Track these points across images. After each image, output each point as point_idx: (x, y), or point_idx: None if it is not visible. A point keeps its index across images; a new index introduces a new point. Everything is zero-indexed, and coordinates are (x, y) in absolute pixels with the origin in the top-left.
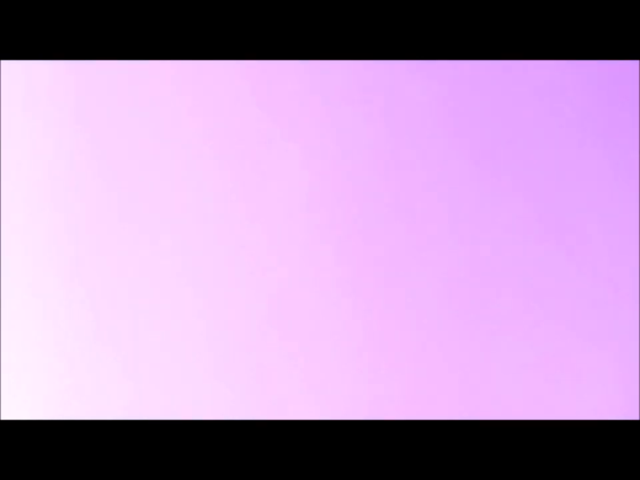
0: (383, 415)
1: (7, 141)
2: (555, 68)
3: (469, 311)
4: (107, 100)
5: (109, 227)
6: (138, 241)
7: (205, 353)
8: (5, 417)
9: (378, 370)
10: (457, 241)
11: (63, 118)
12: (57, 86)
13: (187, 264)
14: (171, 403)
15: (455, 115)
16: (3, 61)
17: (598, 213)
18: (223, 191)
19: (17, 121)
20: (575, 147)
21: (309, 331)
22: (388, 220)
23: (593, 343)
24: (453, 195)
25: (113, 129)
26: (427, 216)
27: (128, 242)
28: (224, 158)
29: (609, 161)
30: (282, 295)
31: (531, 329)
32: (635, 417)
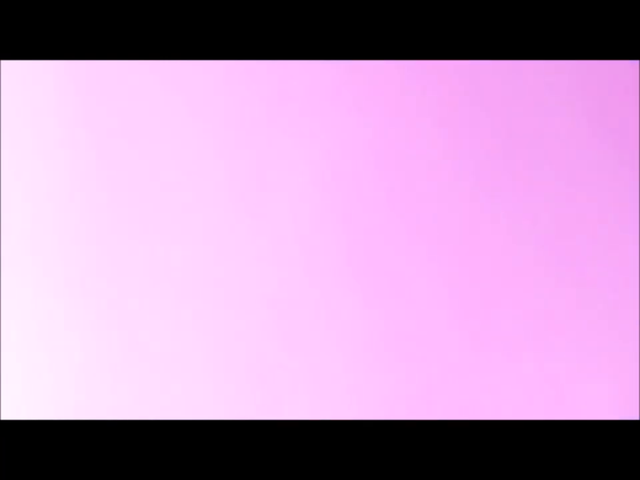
0: (383, 415)
1: (7, 141)
2: (555, 68)
3: (469, 311)
4: (107, 100)
5: (110, 227)
6: (139, 241)
7: (205, 353)
8: (4, 417)
9: (378, 370)
10: (458, 242)
11: (63, 118)
12: (57, 86)
13: (187, 265)
14: (171, 403)
15: (454, 116)
16: (2, 61)
17: (598, 213)
18: (223, 191)
19: (17, 121)
20: (574, 147)
21: (309, 331)
22: (388, 219)
23: (593, 342)
24: (454, 195)
25: (114, 129)
26: (428, 217)
27: (129, 242)
28: (224, 158)
29: (609, 161)
30: (282, 295)
31: (531, 329)
32: (635, 417)
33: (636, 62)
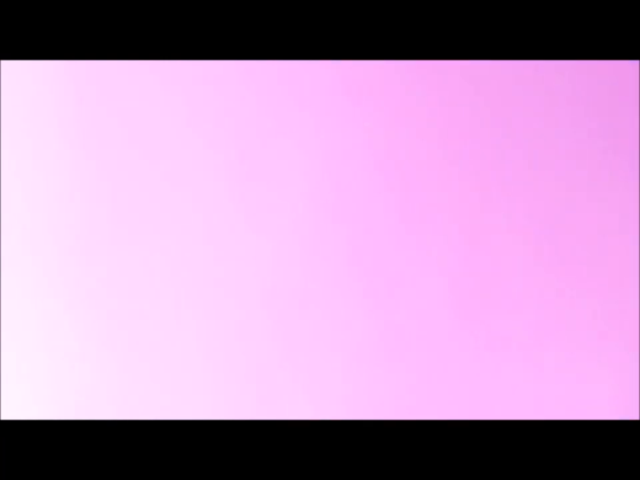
0: (383, 415)
1: (7, 141)
2: (555, 68)
3: (469, 311)
4: (107, 100)
5: (110, 227)
6: (138, 240)
7: (205, 353)
8: (4, 417)
9: (378, 370)
10: (457, 242)
11: (63, 118)
12: (57, 86)
13: (187, 264)
14: (171, 403)
15: (454, 115)
16: (2, 61)
17: (598, 213)
18: (223, 191)
19: (17, 121)
20: (574, 147)
21: (309, 331)
22: (388, 219)
23: (593, 342)
24: (453, 195)
25: (114, 130)
26: (427, 217)
27: (129, 242)
28: (224, 158)
29: (609, 161)
30: (283, 295)
31: (531, 329)
32: (635, 417)
33: (636, 62)
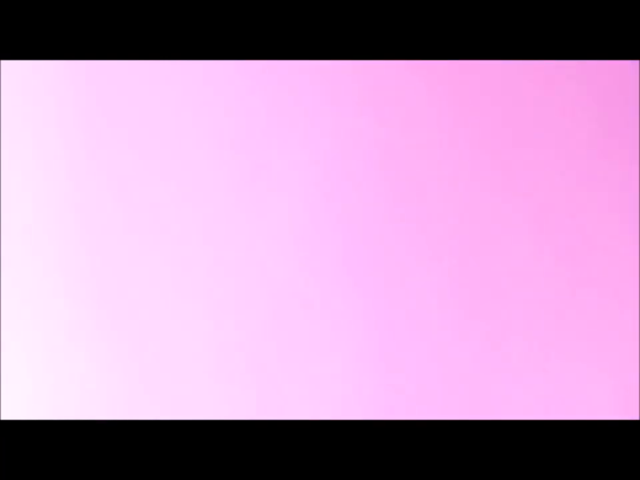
0: (382, 415)
1: (7, 140)
2: (555, 68)
3: (469, 311)
4: (107, 100)
5: (110, 227)
6: (138, 240)
7: (205, 353)
8: (4, 417)
9: (378, 370)
10: (456, 243)
11: (63, 118)
12: (57, 86)
13: (187, 265)
14: (171, 403)
15: (454, 116)
16: (2, 61)
17: (598, 214)
18: (223, 192)
19: (17, 121)
20: (574, 147)
21: (309, 331)
22: (388, 221)
23: (593, 342)
24: (453, 196)
25: (113, 130)
26: (427, 217)
27: (129, 242)
28: (224, 159)
29: (609, 161)
30: (283, 295)
31: (531, 329)
32: (635, 417)
33: (636, 62)
